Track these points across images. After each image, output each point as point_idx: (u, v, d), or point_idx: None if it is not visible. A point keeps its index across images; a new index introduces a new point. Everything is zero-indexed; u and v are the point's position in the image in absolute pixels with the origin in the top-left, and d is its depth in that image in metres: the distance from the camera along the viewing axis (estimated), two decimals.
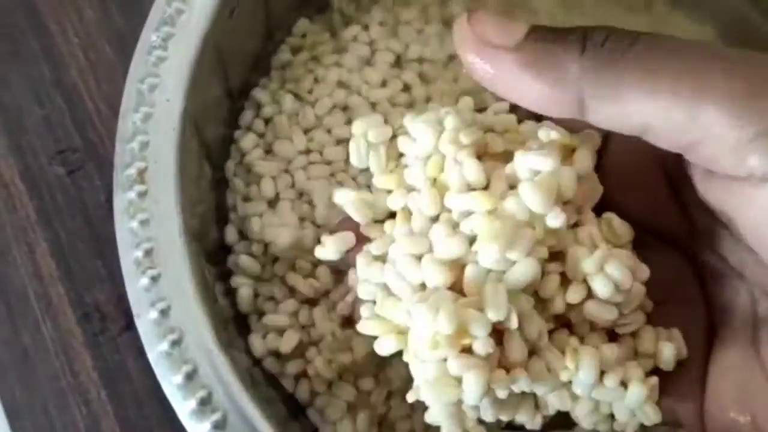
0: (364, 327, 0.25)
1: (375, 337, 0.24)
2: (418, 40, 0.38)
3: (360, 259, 0.25)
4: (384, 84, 0.37)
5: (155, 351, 0.28)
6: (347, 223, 0.27)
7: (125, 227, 0.29)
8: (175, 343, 0.28)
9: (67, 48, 0.42)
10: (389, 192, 0.26)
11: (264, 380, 0.32)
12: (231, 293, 0.33)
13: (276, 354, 0.33)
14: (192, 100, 0.31)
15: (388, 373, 0.33)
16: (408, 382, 0.24)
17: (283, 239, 0.34)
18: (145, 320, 0.28)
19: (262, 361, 0.33)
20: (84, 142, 0.40)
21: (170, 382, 0.27)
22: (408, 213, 0.26)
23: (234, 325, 0.32)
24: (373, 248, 0.25)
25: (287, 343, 0.32)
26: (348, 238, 0.27)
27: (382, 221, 0.27)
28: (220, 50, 0.32)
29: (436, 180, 0.25)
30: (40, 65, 0.42)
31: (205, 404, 0.27)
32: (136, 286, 0.28)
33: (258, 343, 0.33)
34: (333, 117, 0.36)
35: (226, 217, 0.35)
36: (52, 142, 0.40)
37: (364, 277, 0.25)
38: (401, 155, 0.27)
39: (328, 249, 0.27)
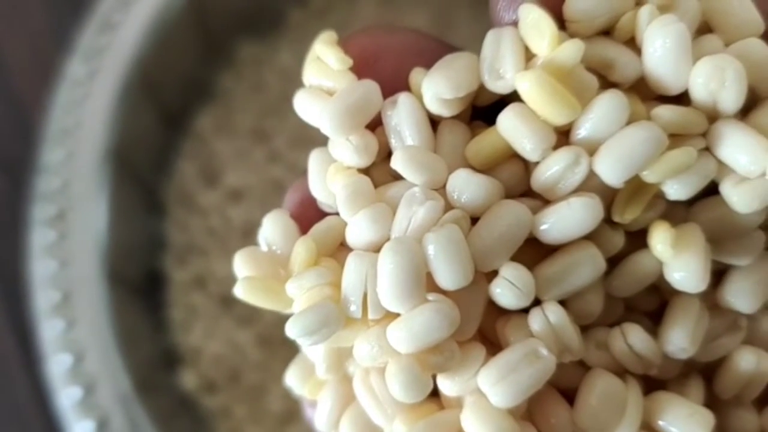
0: None
1: None
2: None
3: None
4: None
5: (65, 398, 0.27)
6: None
7: (42, 268, 0.28)
8: (89, 392, 0.27)
9: (15, 54, 0.41)
10: None
11: (188, 419, 0.31)
12: (163, 324, 0.33)
13: (208, 387, 0.33)
14: (118, 134, 0.30)
15: None
16: None
17: (225, 273, 0.33)
18: (56, 366, 0.28)
19: (193, 395, 0.32)
20: (30, 153, 0.39)
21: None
22: None
23: (163, 361, 0.32)
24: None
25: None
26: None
27: None
28: (151, 80, 0.31)
29: None
30: None
31: None
32: (48, 330, 0.28)
33: (190, 378, 0.32)
34: (280, 147, 0.35)
35: (162, 243, 0.34)
36: None
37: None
38: None
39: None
